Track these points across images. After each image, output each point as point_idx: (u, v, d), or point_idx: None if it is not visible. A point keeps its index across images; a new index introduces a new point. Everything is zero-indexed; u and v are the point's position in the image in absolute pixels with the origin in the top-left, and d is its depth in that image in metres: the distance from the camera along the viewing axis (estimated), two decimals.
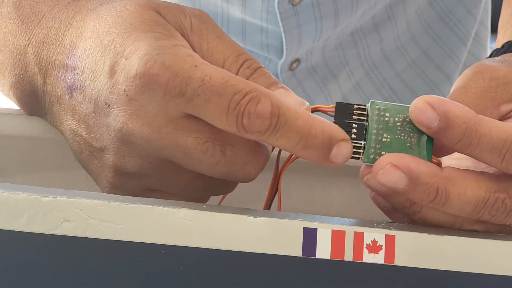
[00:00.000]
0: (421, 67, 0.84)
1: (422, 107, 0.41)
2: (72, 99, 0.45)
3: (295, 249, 0.40)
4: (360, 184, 0.44)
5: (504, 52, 0.53)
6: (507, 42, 0.54)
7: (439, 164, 0.42)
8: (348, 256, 0.40)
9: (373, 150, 0.42)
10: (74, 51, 0.45)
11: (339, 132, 0.41)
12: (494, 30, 0.79)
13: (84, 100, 0.44)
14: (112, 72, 0.42)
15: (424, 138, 0.42)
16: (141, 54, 0.41)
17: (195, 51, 0.44)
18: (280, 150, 0.45)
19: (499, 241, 0.41)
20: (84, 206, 0.39)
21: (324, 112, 0.43)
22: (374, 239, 0.40)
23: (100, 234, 0.39)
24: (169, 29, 0.44)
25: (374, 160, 0.41)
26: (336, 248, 0.40)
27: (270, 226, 0.40)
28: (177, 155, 0.42)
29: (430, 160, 0.41)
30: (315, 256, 0.40)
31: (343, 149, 0.41)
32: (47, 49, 0.47)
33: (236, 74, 0.43)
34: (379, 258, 0.40)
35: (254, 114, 0.40)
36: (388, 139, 0.42)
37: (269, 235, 0.40)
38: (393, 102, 0.84)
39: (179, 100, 0.41)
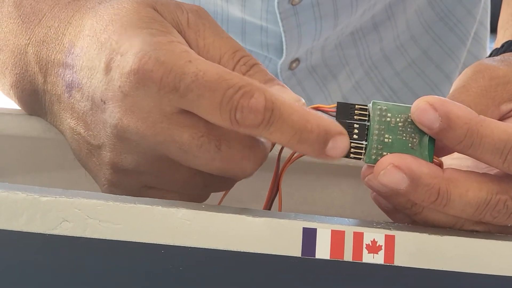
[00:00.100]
0: (421, 67, 0.84)
1: (423, 108, 0.40)
2: (71, 97, 0.45)
3: (295, 249, 0.40)
4: (360, 184, 0.44)
5: (504, 52, 0.53)
6: (506, 42, 0.54)
7: (440, 165, 0.42)
8: (348, 256, 0.40)
9: (374, 151, 0.41)
10: (73, 49, 0.45)
11: (335, 126, 0.40)
12: (493, 30, 0.79)
13: (82, 98, 0.44)
14: (108, 68, 0.43)
15: (426, 139, 0.41)
16: (136, 50, 0.41)
17: (191, 47, 0.44)
18: (280, 150, 0.45)
19: (499, 242, 0.41)
20: (83, 206, 0.39)
21: (325, 112, 0.43)
22: (374, 239, 0.40)
23: (99, 234, 0.39)
24: (166, 25, 0.44)
25: (375, 161, 0.41)
26: (335, 248, 0.40)
27: (270, 226, 0.40)
28: (172, 151, 0.42)
29: (431, 160, 0.41)
30: (314, 256, 0.40)
31: (339, 143, 0.40)
32: (47, 48, 0.47)
33: (232, 71, 0.43)
34: (378, 258, 0.40)
35: (247, 108, 0.39)
36: (390, 140, 0.41)
37: (268, 235, 0.40)
38: (393, 102, 0.84)
39: (173, 96, 0.40)
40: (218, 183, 0.45)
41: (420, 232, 0.41)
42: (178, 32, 0.44)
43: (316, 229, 0.40)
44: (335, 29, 0.76)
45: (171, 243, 0.39)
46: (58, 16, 0.48)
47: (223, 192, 0.47)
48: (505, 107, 0.46)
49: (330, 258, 0.40)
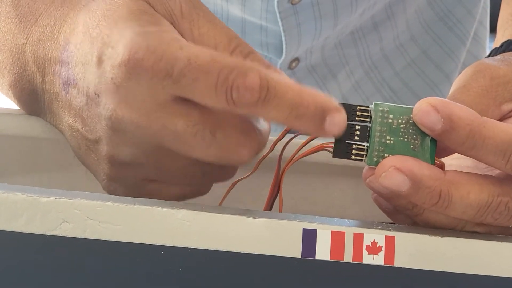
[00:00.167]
0: (421, 67, 0.84)
1: (425, 110, 0.40)
2: (68, 94, 0.45)
3: (295, 250, 0.40)
4: (360, 184, 0.44)
5: (503, 51, 0.53)
6: (506, 41, 0.54)
7: (442, 166, 0.42)
8: (348, 257, 0.40)
9: (376, 153, 0.41)
10: (68, 46, 0.46)
11: (331, 102, 0.40)
12: (493, 30, 0.79)
13: (78, 93, 0.44)
14: (100, 62, 0.43)
15: (428, 140, 0.41)
16: (126, 41, 0.41)
17: (186, 37, 0.44)
18: (282, 151, 0.45)
19: (500, 243, 0.41)
20: (83, 207, 0.39)
21: None
22: (374, 240, 0.40)
23: (99, 235, 0.39)
24: (156, 17, 0.44)
25: (377, 163, 0.41)
26: (335, 249, 0.40)
27: (269, 227, 0.40)
28: (168, 141, 0.42)
29: (433, 162, 0.41)
30: (314, 258, 0.40)
31: (336, 118, 0.40)
32: (43, 47, 0.47)
33: None
34: (379, 260, 0.40)
35: (243, 87, 0.39)
36: (392, 141, 0.41)
37: (268, 236, 0.40)
38: (393, 101, 0.84)
39: (166, 82, 0.40)
40: (217, 172, 0.45)
41: (420, 233, 0.40)
42: (172, 23, 0.44)
43: (316, 230, 0.40)
44: (335, 28, 0.76)
45: (171, 244, 0.39)
46: (54, 14, 0.48)
47: (224, 193, 0.47)
48: (506, 107, 0.46)
49: (330, 259, 0.40)
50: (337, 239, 0.40)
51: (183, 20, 0.45)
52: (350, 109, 0.41)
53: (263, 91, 0.39)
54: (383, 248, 0.40)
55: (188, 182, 0.45)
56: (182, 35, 0.44)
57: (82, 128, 0.45)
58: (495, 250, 0.41)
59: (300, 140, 0.44)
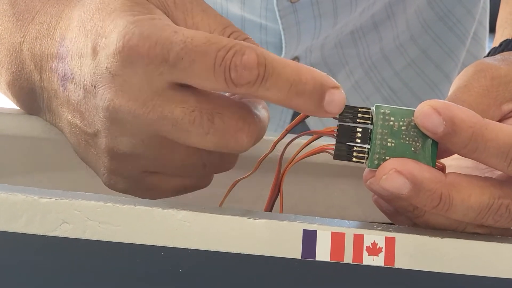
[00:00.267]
0: (421, 67, 0.84)
1: (427, 112, 0.40)
2: (66, 90, 0.45)
3: (295, 251, 0.40)
4: (361, 184, 0.44)
5: (502, 51, 0.53)
6: (504, 41, 0.53)
7: (443, 168, 0.42)
8: (348, 258, 0.40)
9: (377, 156, 0.41)
10: (63, 42, 0.46)
11: (330, 78, 0.40)
12: (492, 29, 0.79)
13: (76, 88, 0.44)
14: (95, 52, 0.43)
15: (429, 143, 0.41)
16: (119, 29, 0.41)
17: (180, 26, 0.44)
18: (283, 152, 0.44)
19: (500, 244, 0.41)
20: (82, 208, 0.39)
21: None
22: (374, 241, 0.40)
23: (99, 235, 0.39)
24: (148, 7, 0.43)
25: (378, 166, 0.41)
26: (335, 250, 0.40)
27: (270, 228, 0.40)
28: (166, 129, 0.42)
29: (434, 165, 0.41)
30: (314, 259, 0.40)
31: (336, 96, 0.40)
32: (40, 44, 0.47)
33: None
34: (379, 261, 0.40)
35: (241, 66, 0.39)
36: (393, 144, 0.41)
37: (268, 237, 0.40)
38: (392, 101, 0.84)
39: (163, 68, 0.40)
40: (217, 161, 0.45)
41: (420, 234, 0.40)
42: (165, 13, 0.44)
43: (316, 231, 0.40)
44: (335, 27, 0.76)
45: (171, 245, 0.39)
46: (50, 12, 0.48)
47: (224, 193, 0.47)
48: (507, 107, 0.46)
49: (330, 260, 0.40)
50: (337, 240, 0.40)
51: (176, 9, 0.45)
52: (351, 111, 0.41)
53: (261, 68, 0.39)
54: (383, 249, 0.40)
55: (188, 173, 0.45)
56: (176, 24, 0.44)
57: (81, 122, 0.45)
58: (495, 251, 0.41)
59: (302, 140, 0.44)
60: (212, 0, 0.76)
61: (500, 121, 0.45)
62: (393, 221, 0.46)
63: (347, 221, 0.41)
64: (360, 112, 0.41)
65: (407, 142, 0.41)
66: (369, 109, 0.41)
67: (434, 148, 0.41)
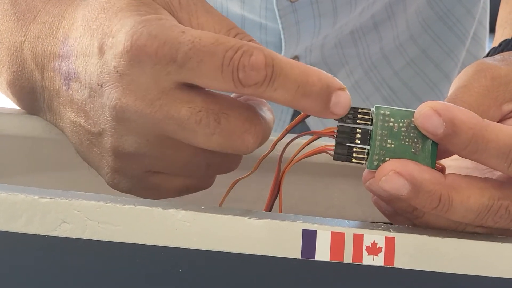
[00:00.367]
0: (420, 66, 0.84)
1: (427, 114, 0.40)
2: (69, 89, 0.45)
3: (294, 251, 0.40)
4: (360, 184, 0.44)
5: (502, 51, 0.53)
6: (504, 41, 0.53)
7: (443, 169, 0.42)
8: (348, 258, 0.40)
9: (377, 157, 0.41)
10: (67, 41, 0.46)
11: (336, 80, 0.41)
12: (492, 29, 0.79)
13: (80, 87, 0.44)
14: (101, 52, 0.43)
15: (429, 144, 0.41)
16: (127, 29, 0.41)
17: None
18: (282, 152, 0.44)
19: (500, 243, 0.41)
20: (82, 208, 0.39)
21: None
22: (374, 241, 0.40)
23: (98, 235, 0.39)
24: (155, 7, 0.44)
25: (378, 167, 0.41)
26: (335, 250, 0.40)
27: (269, 228, 0.40)
28: (172, 129, 0.42)
29: (434, 166, 0.41)
30: (314, 258, 0.40)
31: (342, 98, 0.40)
32: (42, 44, 0.47)
33: None
34: (378, 260, 0.40)
35: (249, 67, 0.39)
36: (392, 145, 0.41)
37: (268, 237, 0.40)
38: (392, 100, 0.84)
39: (171, 68, 0.40)
40: (221, 162, 0.45)
41: (420, 234, 0.40)
42: (170, 13, 0.44)
43: (316, 230, 0.40)
44: (334, 27, 0.76)
45: (171, 245, 0.39)
46: (52, 11, 0.48)
47: (223, 192, 0.47)
48: (507, 107, 0.45)
49: (330, 260, 0.40)
50: (337, 239, 0.40)
51: (181, 10, 0.45)
52: (351, 112, 0.41)
53: (269, 69, 0.39)
54: (383, 249, 0.40)
55: (192, 173, 0.45)
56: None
57: (84, 122, 0.45)
58: (495, 251, 0.41)
59: (302, 140, 0.44)
60: None
61: (500, 121, 0.45)
62: (393, 222, 0.45)
63: (346, 221, 0.41)
64: (360, 113, 0.41)
65: (406, 143, 0.41)
66: (369, 110, 0.41)
67: (434, 149, 0.41)
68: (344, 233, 0.40)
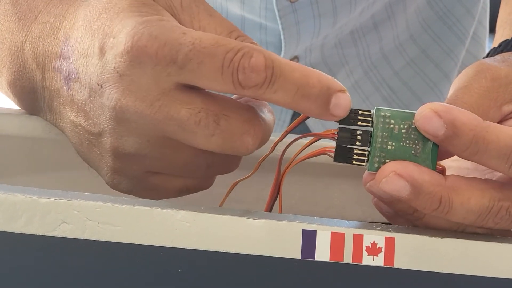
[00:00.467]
0: (420, 66, 0.84)
1: (428, 115, 0.40)
2: (69, 90, 0.45)
3: (294, 251, 0.40)
4: (361, 185, 0.44)
5: (501, 51, 0.52)
6: (504, 41, 0.53)
7: (443, 171, 0.42)
8: (348, 258, 0.40)
9: (377, 159, 0.41)
10: (68, 41, 0.46)
11: (336, 82, 0.41)
12: (492, 29, 0.79)
13: (81, 87, 0.44)
14: (102, 52, 0.43)
15: (429, 146, 0.41)
16: (128, 30, 0.41)
17: None
18: (283, 153, 0.44)
19: (500, 244, 0.41)
20: (82, 208, 0.39)
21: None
22: (374, 241, 0.40)
23: (98, 236, 0.39)
24: (156, 8, 0.44)
25: (378, 169, 0.41)
26: (335, 251, 0.40)
27: (269, 228, 0.40)
28: (171, 129, 0.42)
29: (435, 167, 0.41)
30: (314, 259, 0.40)
31: (342, 100, 0.40)
32: (43, 44, 0.47)
33: None
34: (378, 261, 0.40)
35: (249, 68, 0.39)
36: (393, 147, 0.41)
37: (268, 237, 0.40)
38: (392, 101, 0.84)
39: (171, 69, 0.40)
40: (221, 163, 0.45)
41: (420, 234, 0.40)
42: (172, 15, 0.44)
43: (315, 231, 0.40)
44: (334, 27, 0.76)
45: (170, 245, 0.39)
46: (53, 11, 0.48)
47: (224, 193, 0.47)
48: (507, 108, 0.45)
49: (329, 260, 0.40)
50: (337, 240, 0.40)
51: (183, 12, 0.45)
52: (352, 114, 0.41)
53: (268, 71, 0.40)
54: (383, 249, 0.40)
55: (192, 174, 0.45)
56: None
57: (84, 122, 0.45)
58: (495, 251, 0.41)
59: (302, 141, 0.44)
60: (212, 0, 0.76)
61: (500, 122, 0.45)
62: (393, 223, 0.45)
63: (346, 221, 0.41)
64: (361, 115, 0.41)
65: (407, 145, 0.41)
66: (370, 111, 0.41)
67: (435, 151, 0.41)
68: (344, 233, 0.40)
